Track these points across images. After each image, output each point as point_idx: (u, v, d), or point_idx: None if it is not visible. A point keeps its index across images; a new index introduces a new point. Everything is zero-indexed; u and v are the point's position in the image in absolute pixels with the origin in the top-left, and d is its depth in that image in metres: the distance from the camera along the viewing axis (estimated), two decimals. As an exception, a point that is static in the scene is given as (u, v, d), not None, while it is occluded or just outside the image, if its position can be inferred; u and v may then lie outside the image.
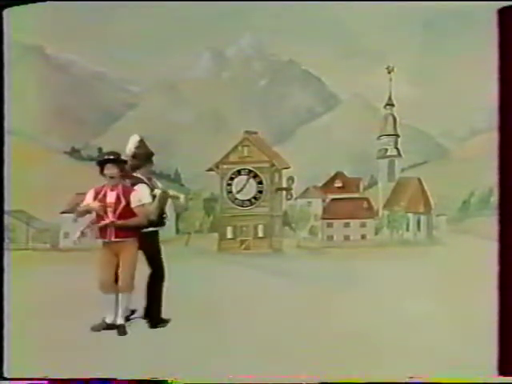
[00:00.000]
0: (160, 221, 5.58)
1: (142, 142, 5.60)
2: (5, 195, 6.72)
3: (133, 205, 5.29)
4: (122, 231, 5.28)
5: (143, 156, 5.56)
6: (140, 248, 5.42)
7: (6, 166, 6.73)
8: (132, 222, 5.28)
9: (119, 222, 5.25)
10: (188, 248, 11.36)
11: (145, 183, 5.47)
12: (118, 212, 5.27)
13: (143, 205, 5.31)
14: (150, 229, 5.47)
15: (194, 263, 9.31)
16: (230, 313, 6.12)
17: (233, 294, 6.89)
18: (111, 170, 5.27)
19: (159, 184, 5.81)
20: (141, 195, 5.35)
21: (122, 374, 5.00)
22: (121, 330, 5.35)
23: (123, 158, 5.42)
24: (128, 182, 5.44)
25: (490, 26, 5.77)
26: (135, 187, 5.40)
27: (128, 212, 5.28)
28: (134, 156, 5.51)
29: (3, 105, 6.81)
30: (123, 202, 5.28)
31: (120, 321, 5.38)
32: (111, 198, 5.30)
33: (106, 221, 5.26)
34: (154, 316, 5.57)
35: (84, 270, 5.67)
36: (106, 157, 5.33)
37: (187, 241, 11.71)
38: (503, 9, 5.76)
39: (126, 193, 5.30)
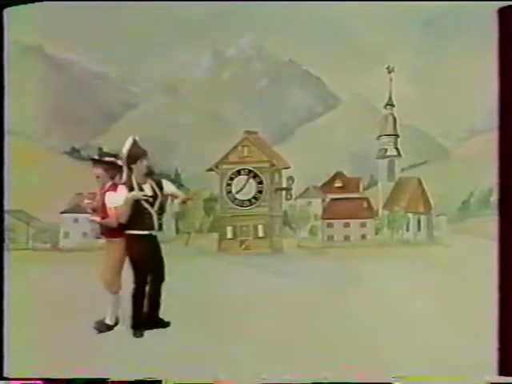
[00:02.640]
0: (143, 223, 5.48)
1: (134, 143, 5.58)
2: (5, 195, 6.72)
3: (107, 206, 5.43)
4: (106, 231, 5.50)
5: (131, 157, 5.55)
6: (130, 251, 5.43)
7: (6, 165, 6.74)
8: (104, 222, 5.47)
9: (97, 221, 5.48)
10: (188, 248, 11.34)
11: (125, 185, 5.46)
12: (98, 212, 5.51)
13: (116, 207, 5.40)
14: (138, 232, 5.42)
15: (194, 263, 9.30)
16: (230, 313, 6.12)
17: (233, 293, 6.89)
18: (95, 170, 5.56)
19: (167, 184, 5.78)
20: (116, 197, 5.42)
21: (122, 374, 5.00)
22: (103, 327, 5.43)
23: (108, 159, 5.56)
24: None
25: (490, 26, 5.78)
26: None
27: (105, 212, 5.44)
28: (127, 157, 5.54)
29: (3, 105, 6.82)
30: (100, 203, 5.50)
31: (108, 320, 5.46)
32: (99, 197, 5.56)
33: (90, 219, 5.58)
34: (137, 320, 5.48)
35: (84, 270, 5.69)
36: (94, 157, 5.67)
37: (187, 241, 11.70)
38: (503, 9, 5.77)
39: (104, 194, 5.45)
